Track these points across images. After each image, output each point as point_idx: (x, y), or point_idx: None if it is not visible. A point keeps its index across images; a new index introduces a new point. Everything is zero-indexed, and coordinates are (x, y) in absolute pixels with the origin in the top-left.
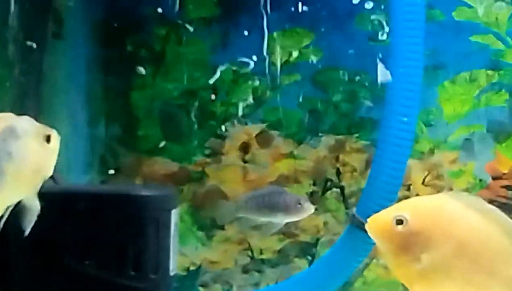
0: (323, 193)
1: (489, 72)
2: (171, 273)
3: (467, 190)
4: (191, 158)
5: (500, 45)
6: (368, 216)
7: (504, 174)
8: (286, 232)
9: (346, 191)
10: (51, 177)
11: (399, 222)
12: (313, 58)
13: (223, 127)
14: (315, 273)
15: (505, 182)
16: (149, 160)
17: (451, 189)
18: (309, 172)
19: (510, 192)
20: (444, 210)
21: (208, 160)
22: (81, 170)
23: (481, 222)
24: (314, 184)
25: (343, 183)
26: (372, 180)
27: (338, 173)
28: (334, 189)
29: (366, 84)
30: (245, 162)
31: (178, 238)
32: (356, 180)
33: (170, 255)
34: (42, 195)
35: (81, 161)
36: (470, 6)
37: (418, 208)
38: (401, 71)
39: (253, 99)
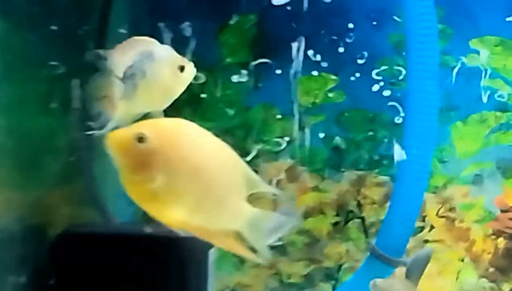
0: (346, 223)
1: (498, 113)
2: None
3: (477, 221)
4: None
5: (508, 89)
6: (387, 247)
7: (511, 207)
8: (312, 258)
9: (366, 222)
10: (103, 215)
11: (140, 139)
12: (338, 100)
13: (255, 163)
14: None
15: None
16: None
17: (463, 221)
18: (332, 204)
19: None
20: (184, 134)
21: None
22: (126, 202)
23: (218, 152)
24: (337, 215)
25: (363, 214)
26: (391, 213)
27: (359, 205)
28: (356, 220)
29: (385, 124)
30: (275, 195)
31: (214, 275)
32: (376, 212)
33: None
34: (94, 234)
35: (126, 195)
36: (480, 53)
37: (160, 128)
38: (417, 113)
39: (283, 137)
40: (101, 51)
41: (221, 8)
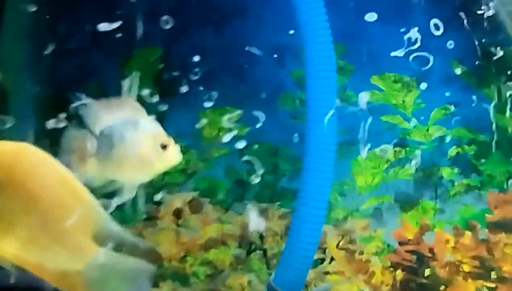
0: (248, 254)
1: (397, 148)
2: None
3: (376, 254)
4: (129, 222)
5: (407, 125)
6: (286, 280)
7: (409, 240)
8: (214, 289)
9: (268, 253)
10: None
11: None
12: (241, 133)
13: (159, 195)
14: None
15: (410, 247)
16: None
17: (362, 253)
18: (235, 235)
19: (414, 256)
20: (24, 159)
21: (145, 224)
22: None
23: (61, 184)
24: (239, 246)
25: (265, 246)
26: (288, 248)
27: (261, 236)
28: (258, 251)
29: (288, 157)
30: (178, 226)
31: None
32: (278, 243)
33: None
34: None
35: None
36: (380, 90)
37: None
38: (316, 146)
39: (187, 169)
40: (83, 97)
41: (126, 41)
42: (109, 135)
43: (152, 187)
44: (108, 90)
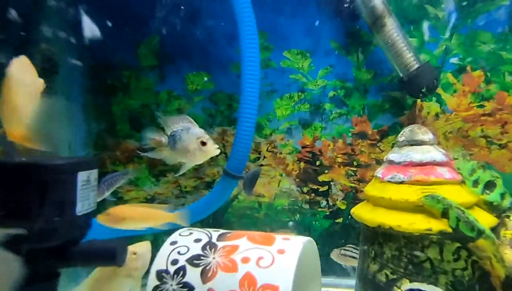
0: (217, 156)
1: (299, 93)
2: (79, 214)
3: (289, 153)
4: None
5: (304, 80)
6: (233, 167)
7: (307, 145)
8: (198, 176)
9: (228, 155)
10: (7, 150)
11: None
12: (210, 87)
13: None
14: (209, 198)
15: (308, 149)
16: (124, 142)
17: (281, 153)
18: None
19: (310, 154)
20: None
21: None
22: (81, 150)
23: None
24: None
25: (226, 151)
26: (234, 148)
27: (224, 145)
28: (223, 154)
29: (237, 100)
30: None
31: (94, 189)
32: None
33: (76, 202)
34: None
35: (81, 145)
36: (289, 60)
37: None
38: (247, 92)
39: (178, 109)
40: (160, 114)
41: (139, 30)
42: (174, 136)
43: (156, 119)
44: (129, 62)
